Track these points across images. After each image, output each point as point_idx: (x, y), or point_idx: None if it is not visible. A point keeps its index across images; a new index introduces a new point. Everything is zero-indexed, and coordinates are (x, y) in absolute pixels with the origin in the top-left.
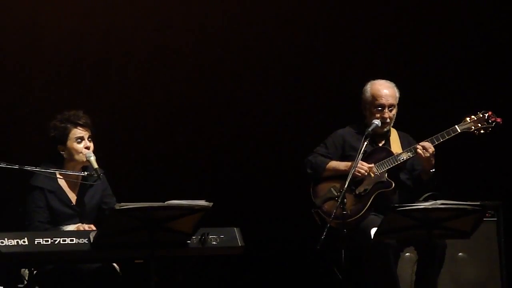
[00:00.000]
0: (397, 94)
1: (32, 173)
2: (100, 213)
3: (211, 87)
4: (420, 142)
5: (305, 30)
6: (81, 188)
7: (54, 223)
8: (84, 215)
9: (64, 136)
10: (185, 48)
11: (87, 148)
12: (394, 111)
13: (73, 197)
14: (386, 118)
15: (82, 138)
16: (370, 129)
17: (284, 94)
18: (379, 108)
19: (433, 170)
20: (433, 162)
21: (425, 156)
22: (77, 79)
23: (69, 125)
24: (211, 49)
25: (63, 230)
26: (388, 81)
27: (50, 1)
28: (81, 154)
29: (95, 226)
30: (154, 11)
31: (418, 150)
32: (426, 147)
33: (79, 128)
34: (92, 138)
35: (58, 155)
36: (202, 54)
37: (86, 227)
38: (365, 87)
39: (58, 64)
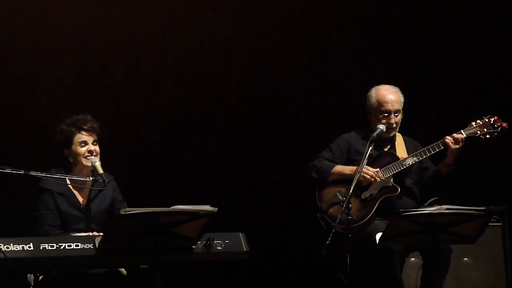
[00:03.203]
0: (402, 99)
1: (37, 177)
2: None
3: (216, 92)
4: (425, 147)
5: (311, 33)
6: (90, 192)
7: (63, 226)
8: (92, 218)
9: (68, 140)
10: (191, 53)
11: (90, 152)
12: (400, 116)
13: (82, 200)
14: (392, 124)
15: (85, 143)
16: (375, 134)
17: (289, 99)
18: (385, 114)
19: (452, 167)
20: (455, 156)
21: (454, 148)
22: (84, 84)
23: (73, 129)
24: (217, 56)
25: (68, 236)
26: (393, 86)
27: (56, 6)
28: (84, 158)
29: (103, 231)
30: (160, 16)
31: (447, 139)
32: (458, 140)
33: (83, 132)
34: (98, 142)
35: (66, 159)
36: (208, 60)
37: (96, 235)
38: (369, 93)
39: (65, 69)
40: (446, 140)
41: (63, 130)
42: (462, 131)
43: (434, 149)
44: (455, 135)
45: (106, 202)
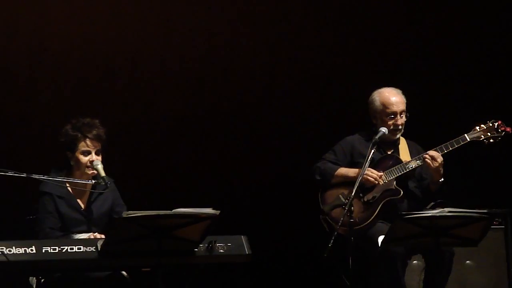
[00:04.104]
0: (405, 100)
1: (39, 180)
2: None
3: (218, 95)
4: (429, 150)
5: (314, 34)
6: (90, 195)
7: (63, 228)
8: (93, 221)
9: (72, 145)
10: (192, 57)
11: (91, 162)
12: (405, 117)
13: (82, 203)
14: (398, 125)
15: (88, 152)
16: (377, 137)
17: (292, 101)
18: (392, 116)
19: (442, 180)
20: (442, 172)
21: (434, 166)
22: (85, 87)
23: (79, 135)
24: (218, 59)
25: (73, 239)
26: (394, 88)
27: (58, 9)
28: (86, 168)
29: (105, 234)
30: (161, 19)
31: (426, 159)
32: (435, 157)
33: (88, 141)
34: (101, 151)
35: (67, 161)
36: (210, 63)
37: (98, 236)
38: (372, 97)
39: (66, 73)
40: (426, 160)
41: (68, 133)
42: (465, 135)
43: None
44: (430, 152)
45: (107, 204)
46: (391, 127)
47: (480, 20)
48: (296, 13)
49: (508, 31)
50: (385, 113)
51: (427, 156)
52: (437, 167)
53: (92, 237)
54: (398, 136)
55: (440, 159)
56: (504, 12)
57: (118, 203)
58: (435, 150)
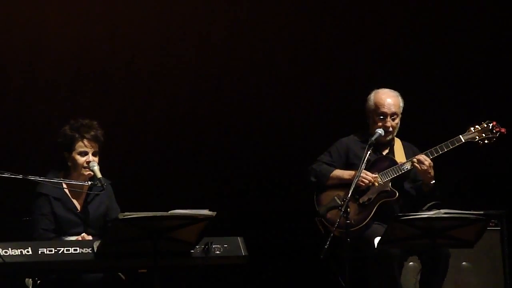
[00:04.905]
0: (401, 104)
1: (36, 182)
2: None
3: (215, 96)
4: (424, 152)
5: (311, 36)
6: (87, 196)
7: (59, 230)
8: (89, 223)
9: (70, 145)
10: (189, 58)
11: (88, 162)
12: (397, 120)
13: (78, 204)
14: (388, 127)
15: (85, 153)
16: (373, 139)
17: (288, 103)
18: (381, 117)
19: (433, 182)
20: (432, 174)
21: (422, 169)
22: (82, 88)
23: (77, 136)
24: (216, 60)
25: (66, 240)
26: (392, 90)
27: (55, 9)
28: (82, 169)
29: (100, 236)
30: (159, 20)
31: (414, 164)
32: (422, 160)
33: (85, 141)
34: (99, 152)
35: (65, 162)
36: (207, 64)
37: (87, 238)
38: (369, 96)
39: (64, 74)
40: (414, 164)
41: (65, 134)
42: (460, 136)
43: (432, 154)
44: (418, 156)
45: (103, 206)
46: (382, 128)
47: (476, 21)
48: (295, 13)
49: (504, 32)
50: (376, 113)
51: (414, 160)
52: (425, 170)
53: (82, 238)
54: (388, 138)
55: (427, 162)
56: (500, 13)
57: (112, 206)
58: (430, 152)
